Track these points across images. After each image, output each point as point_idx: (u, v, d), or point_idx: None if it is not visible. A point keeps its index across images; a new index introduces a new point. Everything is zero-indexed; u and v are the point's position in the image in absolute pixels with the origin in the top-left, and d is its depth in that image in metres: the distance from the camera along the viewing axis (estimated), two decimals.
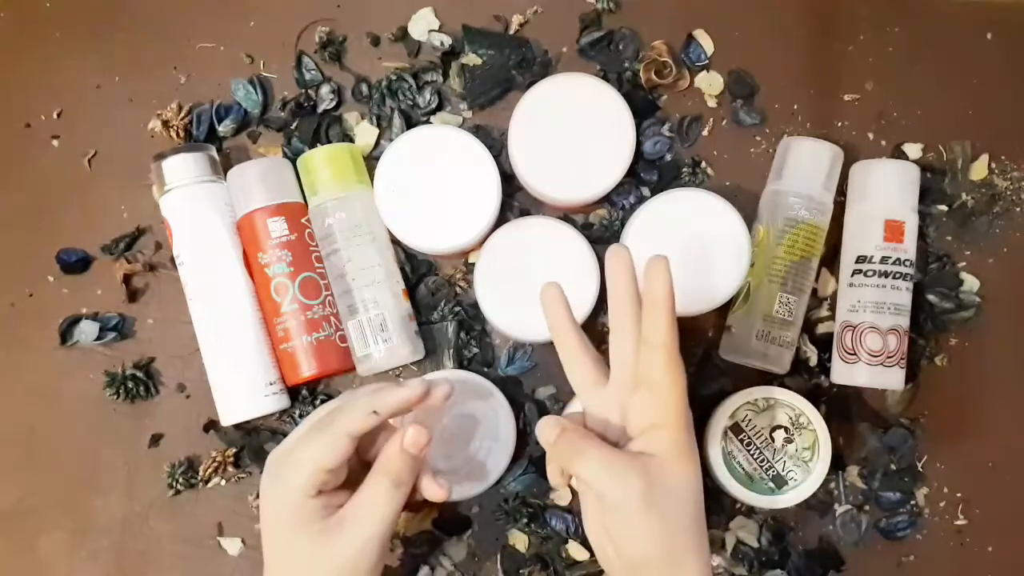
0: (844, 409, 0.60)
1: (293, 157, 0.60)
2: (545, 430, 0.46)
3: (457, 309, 0.60)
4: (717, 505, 0.59)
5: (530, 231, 0.57)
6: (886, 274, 0.57)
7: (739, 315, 0.58)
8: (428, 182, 0.57)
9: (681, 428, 0.45)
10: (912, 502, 0.60)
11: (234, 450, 0.59)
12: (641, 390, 0.45)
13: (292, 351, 0.57)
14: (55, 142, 0.62)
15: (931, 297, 0.60)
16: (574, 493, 0.59)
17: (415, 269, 0.60)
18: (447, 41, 0.62)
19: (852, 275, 0.58)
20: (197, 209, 0.58)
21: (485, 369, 0.60)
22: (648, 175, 0.61)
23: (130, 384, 0.60)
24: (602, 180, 0.57)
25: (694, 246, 0.55)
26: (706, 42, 0.62)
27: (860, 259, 0.57)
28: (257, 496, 0.59)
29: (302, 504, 0.46)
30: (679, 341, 0.45)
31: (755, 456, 0.56)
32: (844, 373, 0.57)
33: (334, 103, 0.62)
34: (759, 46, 0.62)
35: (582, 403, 0.49)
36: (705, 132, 0.62)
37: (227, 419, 0.58)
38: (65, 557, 0.59)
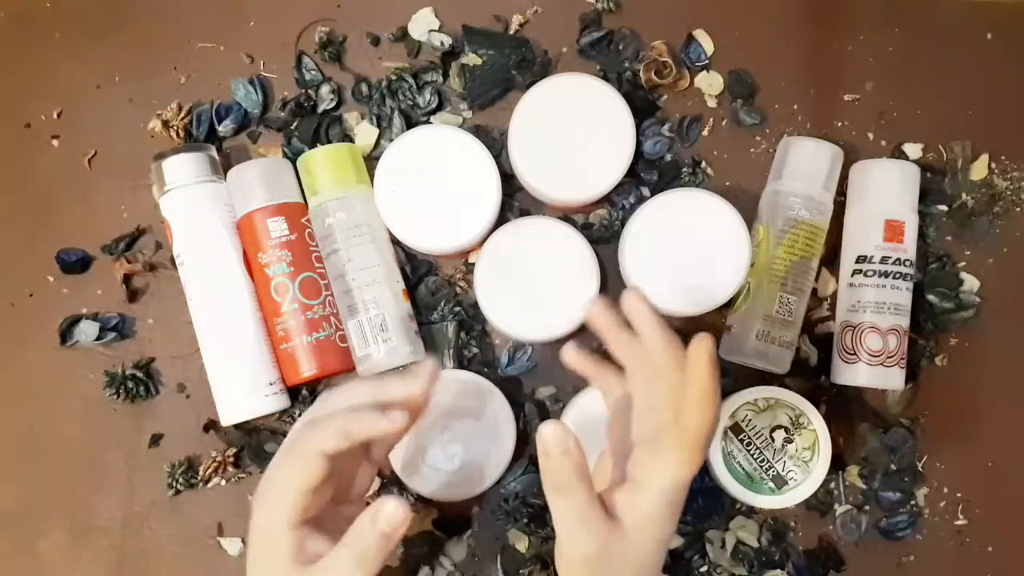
0: (844, 409, 0.60)
1: (293, 157, 0.60)
2: (549, 442, 0.43)
3: (457, 309, 0.60)
4: (717, 505, 0.59)
5: (530, 231, 0.57)
6: (886, 274, 0.57)
7: (739, 315, 0.58)
8: (428, 182, 0.57)
9: (653, 494, 0.44)
10: (912, 502, 0.60)
11: (234, 450, 0.59)
12: (639, 446, 0.45)
13: (292, 351, 0.57)
14: (55, 142, 0.62)
15: (931, 297, 0.60)
16: None
17: (415, 269, 0.60)
18: (447, 41, 0.62)
19: (852, 275, 0.58)
20: (197, 209, 0.58)
21: (485, 369, 0.60)
22: (648, 175, 0.61)
23: (130, 384, 0.60)
24: (602, 180, 0.57)
25: (694, 246, 0.55)
26: (706, 42, 0.62)
27: (860, 259, 0.57)
28: None
29: (281, 537, 0.43)
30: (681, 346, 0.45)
31: (755, 456, 0.56)
32: (844, 373, 0.57)
33: (334, 103, 0.62)
34: (759, 46, 0.62)
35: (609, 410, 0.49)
36: (705, 132, 0.62)
37: (227, 419, 0.58)
38: (65, 557, 0.59)
